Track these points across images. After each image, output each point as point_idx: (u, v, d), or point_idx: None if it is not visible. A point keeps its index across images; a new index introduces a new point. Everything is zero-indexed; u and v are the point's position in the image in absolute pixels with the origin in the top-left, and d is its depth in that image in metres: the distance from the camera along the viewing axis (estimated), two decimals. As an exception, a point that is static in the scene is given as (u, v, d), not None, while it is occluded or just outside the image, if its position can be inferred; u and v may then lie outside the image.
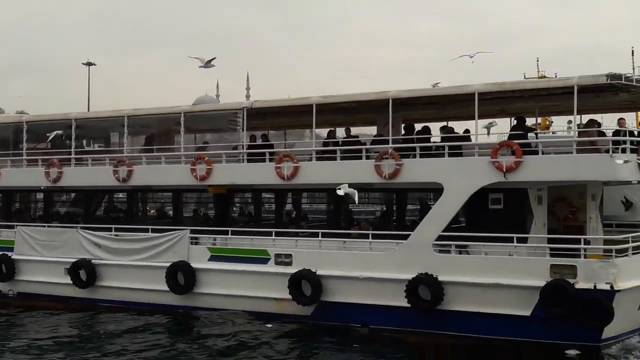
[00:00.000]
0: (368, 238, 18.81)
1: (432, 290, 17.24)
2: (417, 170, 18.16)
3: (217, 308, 20.37)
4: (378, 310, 18.15)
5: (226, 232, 20.89)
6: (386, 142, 19.05)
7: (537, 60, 52.33)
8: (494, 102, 19.31)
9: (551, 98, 19.22)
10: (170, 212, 25.02)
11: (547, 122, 43.52)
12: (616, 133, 17.11)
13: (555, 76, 49.63)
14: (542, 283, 16.14)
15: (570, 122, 34.49)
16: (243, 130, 21.08)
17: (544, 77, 48.55)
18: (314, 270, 18.86)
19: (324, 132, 25.46)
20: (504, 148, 17.12)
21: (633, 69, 50.36)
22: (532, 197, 17.61)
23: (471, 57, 21.73)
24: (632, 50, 52.10)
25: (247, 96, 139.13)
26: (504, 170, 16.84)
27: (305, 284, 18.93)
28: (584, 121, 19.60)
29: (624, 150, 16.22)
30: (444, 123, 22.55)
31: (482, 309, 16.95)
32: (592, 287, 15.71)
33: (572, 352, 16.03)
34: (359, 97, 19.91)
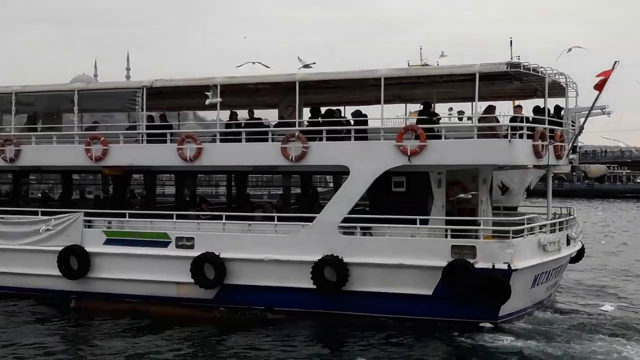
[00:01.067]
0: (273, 220, 18.76)
1: (338, 272, 17.45)
2: (323, 153, 18.27)
3: (114, 293, 19.70)
4: (283, 293, 18.16)
5: (124, 215, 20.22)
6: (292, 124, 19.07)
7: (421, 49, 53.59)
8: (396, 87, 19.72)
9: (449, 85, 19.85)
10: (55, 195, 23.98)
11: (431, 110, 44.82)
12: (513, 119, 17.90)
13: (438, 65, 51.30)
14: (443, 263, 16.68)
15: (451, 109, 35.76)
16: (143, 110, 20.44)
17: (427, 64, 49.85)
18: (217, 253, 18.61)
19: (210, 114, 24.97)
20: (408, 132, 17.53)
21: (511, 58, 52.99)
22: (433, 180, 18.16)
23: (253, 63, 22.71)
24: (511, 41, 54.52)
25: (127, 77, 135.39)
26: (409, 153, 17.26)
27: (208, 267, 18.65)
28: (473, 108, 20.31)
29: (521, 136, 17.00)
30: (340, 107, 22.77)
31: (386, 289, 17.33)
32: (491, 267, 16.40)
33: (486, 324, 16.70)
34: (266, 78, 19.76)
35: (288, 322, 17.78)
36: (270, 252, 18.29)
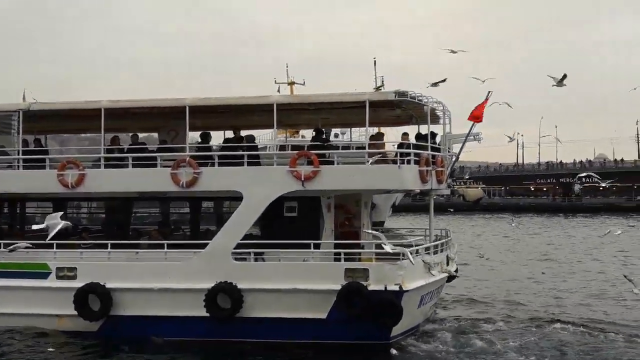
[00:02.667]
0: (161, 248, 18.31)
1: (232, 299, 17.31)
2: (215, 179, 18.13)
3: (-12, 327, 18.45)
4: (175, 322, 17.74)
5: (-1, 245, 19.00)
6: (180, 149, 18.82)
7: (287, 66, 53.37)
8: (283, 113, 19.90)
9: (334, 111, 20.33)
10: None
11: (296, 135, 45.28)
12: (400, 146, 18.60)
13: (304, 83, 51.82)
14: (337, 287, 16.97)
15: (336, 135, 36.63)
16: (19, 133, 19.41)
17: (293, 82, 50.18)
18: (102, 284, 17.91)
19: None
20: (301, 158, 17.77)
21: (375, 78, 54.75)
22: (324, 204, 18.49)
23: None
24: (375, 61, 55.67)
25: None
26: (302, 179, 17.48)
27: (92, 298, 17.91)
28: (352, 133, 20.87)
29: (408, 162, 17.69)
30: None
31: (281, 314, 17.36)
32: (383, 289, 16.87)
33: (394, 351, 17.11)
34: (153, 102, 19.35)
35: (180, 353, 17.37)
36: (159, 281, 17.84)
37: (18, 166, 19.60)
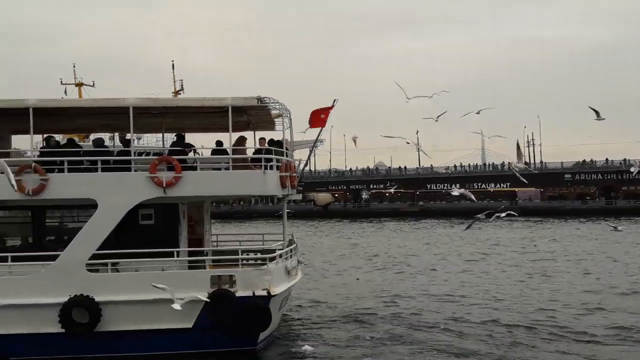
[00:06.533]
0: (6, 261, 16.70)
1: (89, 313, 16.28)
2: (66, 186, 16.93)
3: None
4: (24, 340, 16.28)
5: None
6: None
7: (74, 66, 50.13)
8: (143, 117, 18.95)
9: (178, 115, 19.83)
10: None
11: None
12: (257, 151, 18.61)
13: (94, 84, 48.74)
14: (204, 294, 16.59)
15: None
16: None
17: (82, 84, 47.58)
18: None
19: None
20: (162, 163, 17.17)
21: (174, 81, 53.74)
22: (181, 211, 18.02)
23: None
24: (173, 64, 54.64)
25: None
26: (164, 185, 16.90)
27: None
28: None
29: (271, 167, 17.79)
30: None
31: (143, 326, 16.65)
32: (251, 294, 16.80)
33: (307, 347, 17.28)
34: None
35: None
36: (4, 297, 16.29)
37: None
